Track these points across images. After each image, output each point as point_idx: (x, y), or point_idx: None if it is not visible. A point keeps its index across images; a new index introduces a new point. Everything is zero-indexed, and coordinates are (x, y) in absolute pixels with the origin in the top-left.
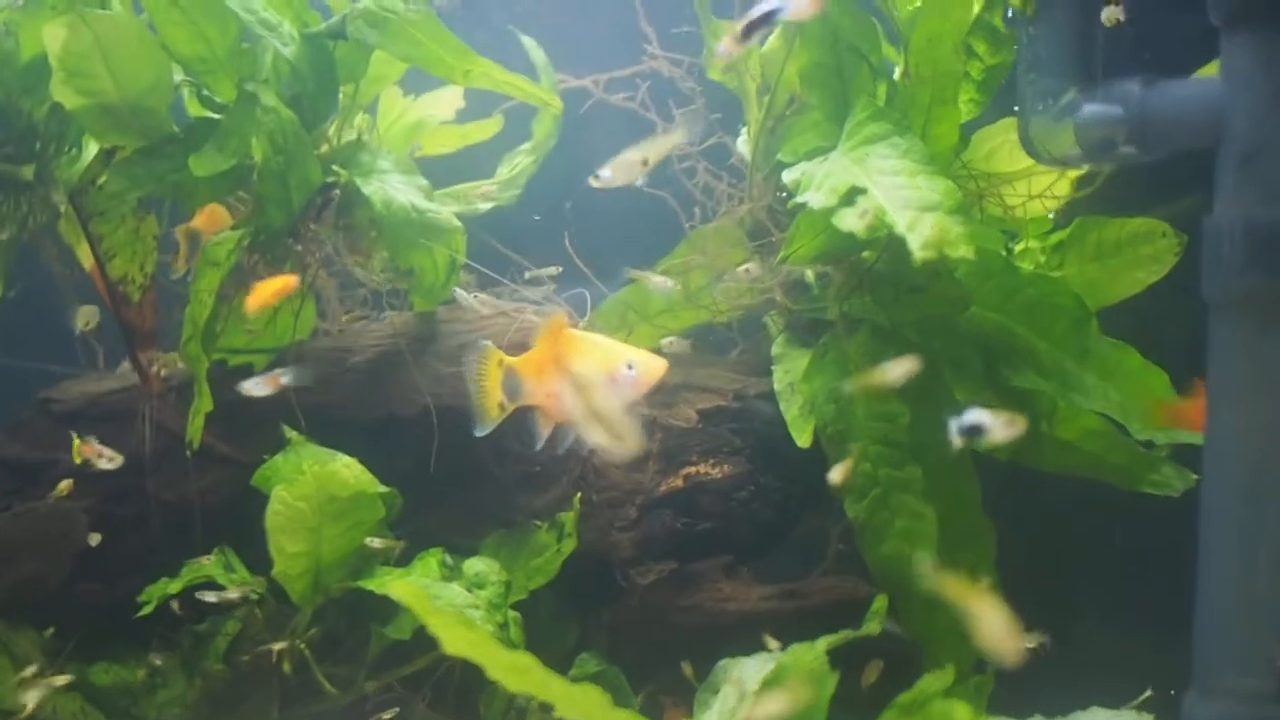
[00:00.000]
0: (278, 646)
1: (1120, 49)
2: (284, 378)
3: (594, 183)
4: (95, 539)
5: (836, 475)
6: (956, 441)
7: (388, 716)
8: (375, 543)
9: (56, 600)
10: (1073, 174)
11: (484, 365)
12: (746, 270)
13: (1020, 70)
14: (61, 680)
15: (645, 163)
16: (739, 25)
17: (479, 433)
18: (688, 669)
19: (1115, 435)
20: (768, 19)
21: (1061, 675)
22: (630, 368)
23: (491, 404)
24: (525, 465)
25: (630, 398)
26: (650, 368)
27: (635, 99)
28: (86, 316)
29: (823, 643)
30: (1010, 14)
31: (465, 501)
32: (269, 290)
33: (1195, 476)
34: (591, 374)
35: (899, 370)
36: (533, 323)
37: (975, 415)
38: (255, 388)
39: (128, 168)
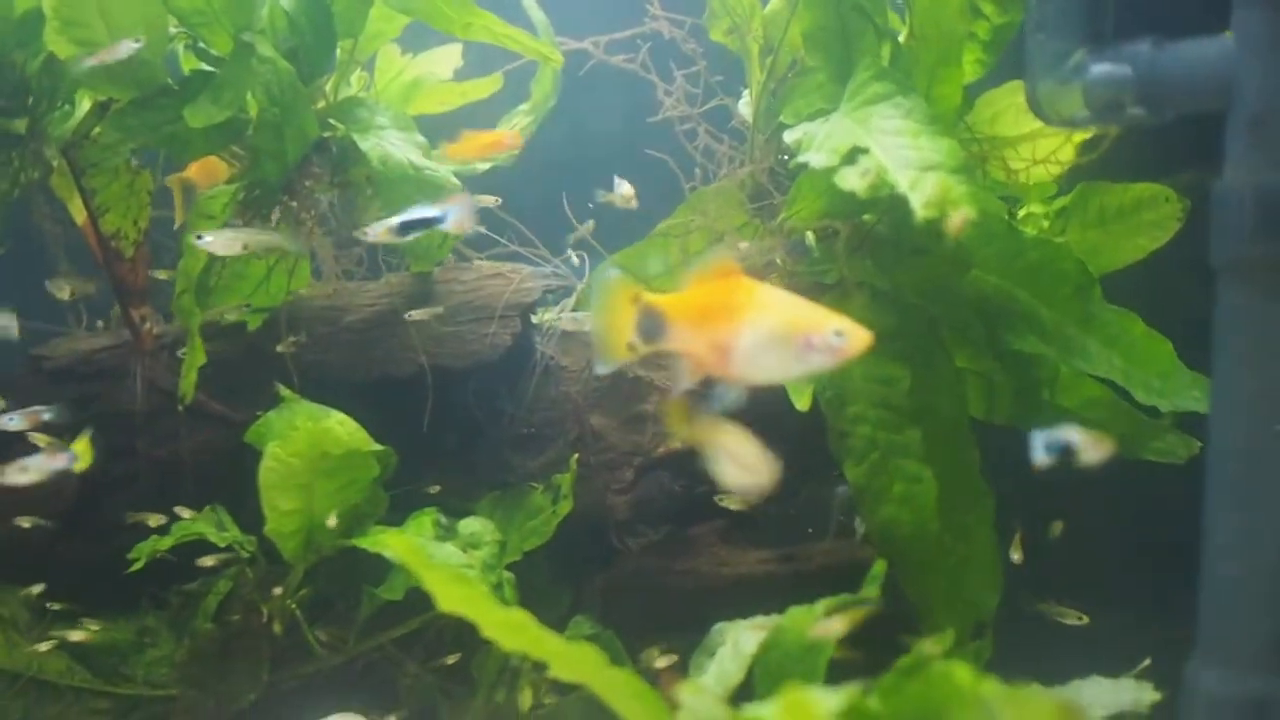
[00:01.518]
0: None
1: (1131, 8)
2: (45, 414)
3: (196, 243)
4: None
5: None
6: (1043, 460)
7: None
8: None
9: (45, 558)
10: (1077, 139)
11: (613, 298)
12: (740, 246)
13: (1028, 30)
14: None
15: (245, 246)
16: (396, 221)
17: (600, 371)
18: None
19: (1118, 402)
20: (426, 223)
21: (1061, 645)
22: (839, 335)
23: (618, 343)
24: (521, 426)
25: (822, 367)
26: (859, 338)
27: (636, 61)
28: (62, 286)
29: (820, 606)
30: None
31: (460, 462)
32: (482, 143)
33: (1199, 444)
34: (785, 333)
35: None
36: (530, 286)
37: (1063, 433)
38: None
39: (122, 119)
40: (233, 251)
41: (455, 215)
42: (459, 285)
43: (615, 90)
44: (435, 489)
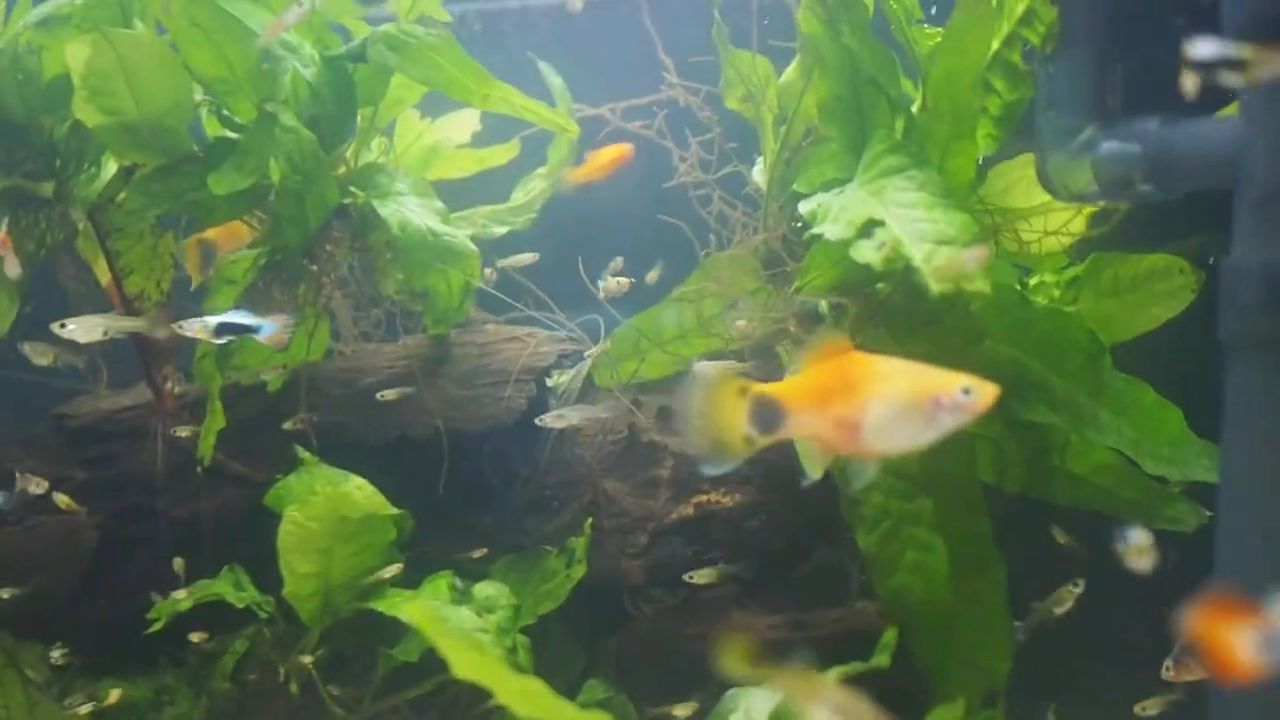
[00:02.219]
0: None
1: (1139, 87)
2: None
3: (59, 330)
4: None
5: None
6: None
7: None
8: (387, 572)
9: (66, 616)
10: (1088, 210)
11: (717, 394)
12: (739, 325)
13: (1039, 107)
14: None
15: (105, 331)
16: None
17: (714, 472)
18: None
19: (1128, 470)
20: (242, 329)
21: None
22: (967, 392)
23: (734, 439)
24: (535, 490)
25: (954, 427)
26: (987, 392)
27: (652, 127)
28: (44, 352)
29: (832, 674)
30: (1029, 51)
31: (475, 524)
32: (603, 161)
33: (1209, 513)
34: (914, 399)
35: None
36: (545, 350)
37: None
38: None
39: (147, 185)
40: (94, 337)
41: (269, 330)
42: (475, 349)
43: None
44: (479, 552)
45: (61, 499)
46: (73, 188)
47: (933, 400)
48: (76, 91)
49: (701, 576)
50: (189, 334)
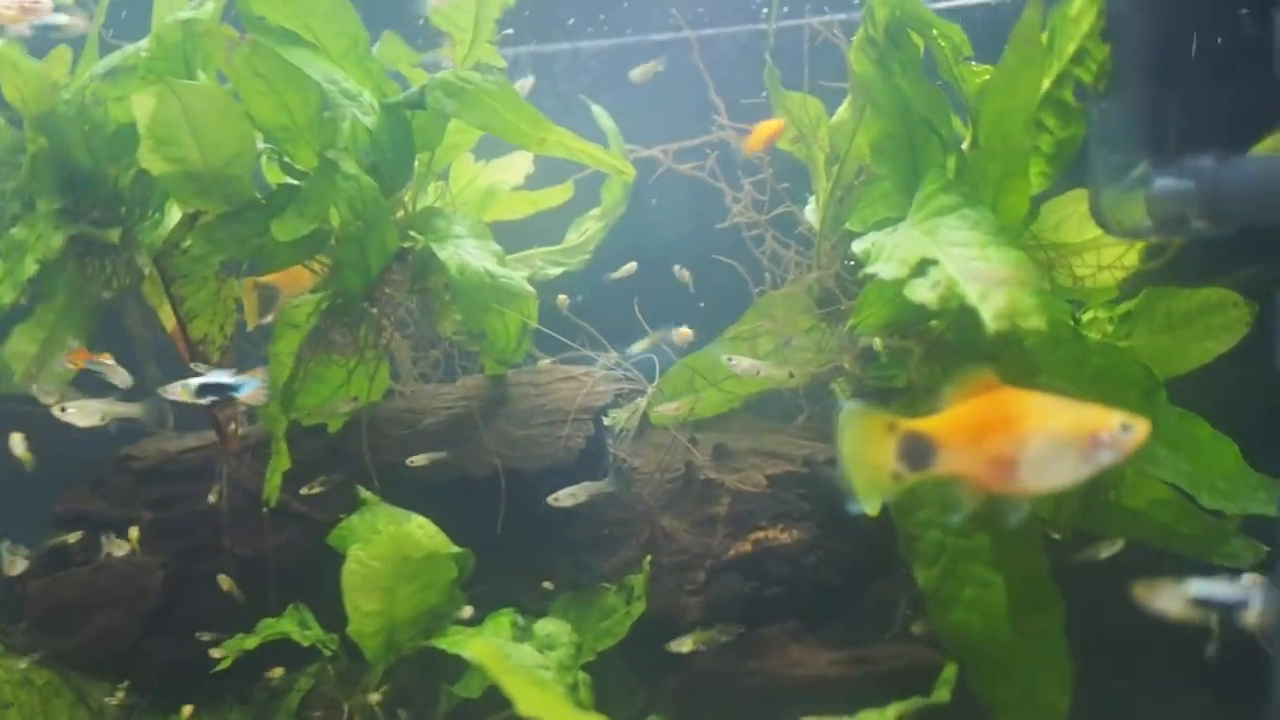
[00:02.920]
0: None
1: (1192, 123)
2: None
3: (60, 414)
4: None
5: None
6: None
7: None
8: (463, 613)
9: (132, 654)
10: (1141, 245)
11: (865, 430)
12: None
13: (1091, 144)
14: None
15: (103, 417)
16: (195, 383)
17: (863, 510)
18: None
19: (1184, 505)
20: (223, 389)
21: None
22: (1125, 428)
23: (881, 476)
24: (594, 527)
25: (1110, 463)
26: (1142, 428)
27: (704, 168)
28: (50, 392)
29: (893, 709)
30: (1082, 88)
31: (535, 562)
32: (766, 133)
33: (1266, 549)
34: (1071, 436)
35: None
36: (602, 389)
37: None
38: None
39: (211, 232)
40: (92, 422)
41: (250, 388)
42: (532, 388)
43: (683, 196)
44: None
45: (129, 539)
46: (138, 234)
47: (1091, 437)
48: (142, 141)
49: (680, 645)
50: (172, 397)
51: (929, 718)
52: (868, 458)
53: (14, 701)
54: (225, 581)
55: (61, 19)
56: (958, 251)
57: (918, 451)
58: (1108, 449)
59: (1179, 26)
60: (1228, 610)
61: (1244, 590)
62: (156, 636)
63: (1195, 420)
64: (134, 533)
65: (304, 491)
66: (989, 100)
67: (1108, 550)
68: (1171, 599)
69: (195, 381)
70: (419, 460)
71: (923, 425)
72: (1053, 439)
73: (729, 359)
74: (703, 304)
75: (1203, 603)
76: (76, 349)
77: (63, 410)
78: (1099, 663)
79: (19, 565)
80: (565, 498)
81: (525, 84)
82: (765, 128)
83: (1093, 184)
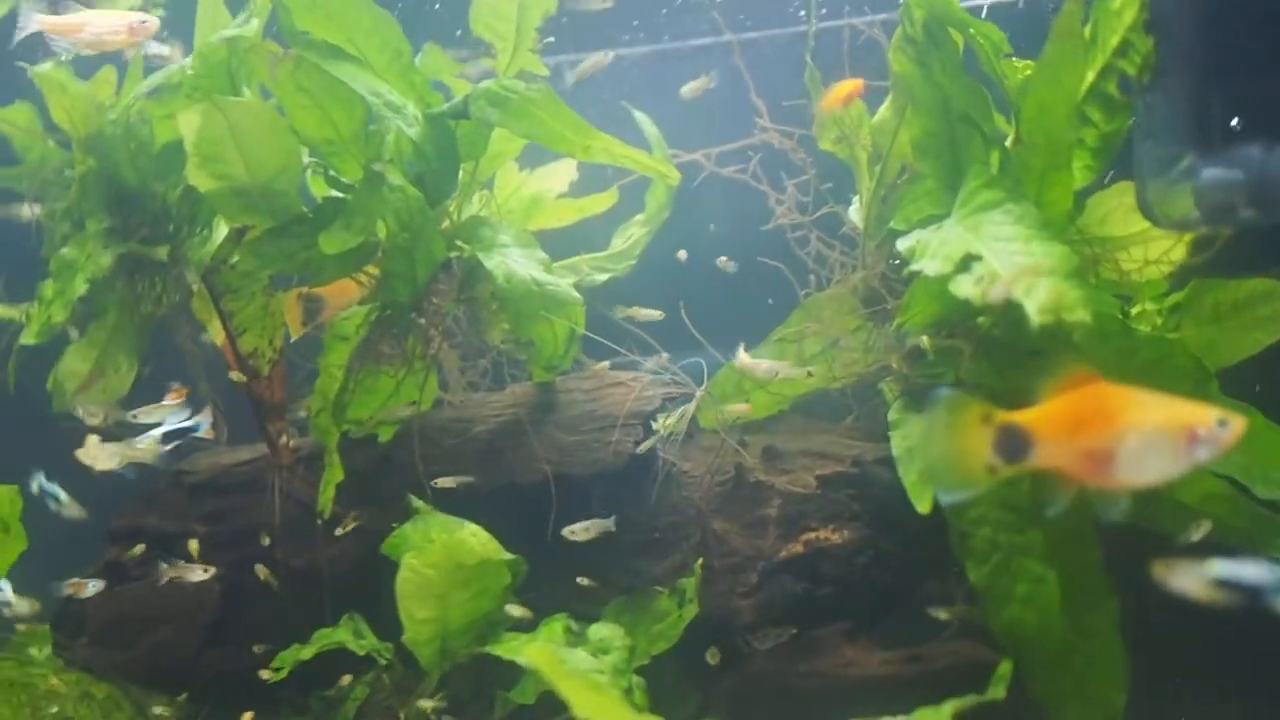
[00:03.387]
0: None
1: (1239, 114)
2: None
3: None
4: None
5: None
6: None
7: None
8: (514, 610)
9: (191, 666)
10: (1189, 237)
11: (959, 419)
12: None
13: (1137, 136)
14: None
15: (120, 461)
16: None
17: (953, 500)
18: None
19: (1237, 498)
20: (185, 431)
21: None
22: (1222, 424)
23: (974, 467)
24: (644, 532)
25: (1207, 460)
26: (1239, 424)
27: (747, 171)
28: (95, 412)
29: (948, 706)
30: (1126, 81)
31: (586, 567)
32: (844, 92)
33: None
34: (1169, 431)
35: None
36: (650, 394)
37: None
38: None
39: (258, 247)
40: (111, 465)
41: (206, 425)
42: (581, 394)
43: (726, 200)
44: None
45: (190, 551)
46: (186, 251)
47: (1189, 432)
48: (189, 158)
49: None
50: (145, 458)
51: (984, 715)
52: (961, 448)
53: (75, 715)
54: (262, 572)
55: (163, 50)
56: (1001, 246)
57: (1014, 444)
58: (1204, 445)
59: (1222, 16)
60: (1253, 594)
61: (1272, 573)
62: (214, 648)
63: (1249, 411)
64: (193, 545)
65: (339, 532)
66: (1031, 94)
67: (1199, 533)
68: (1192, 579)
69: (159, 432)
70: (446, 482)
71: (1020, 417)
72: (1149, 434)
73: (738, 360)
74: (770, 300)
75: (1225, 584)
76: (176, 388)
77: (85, 453)
78: (1154, 660)
79: (89, 588)
80: (580, 532)
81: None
82: (843, 86)
83: (1139, 177)
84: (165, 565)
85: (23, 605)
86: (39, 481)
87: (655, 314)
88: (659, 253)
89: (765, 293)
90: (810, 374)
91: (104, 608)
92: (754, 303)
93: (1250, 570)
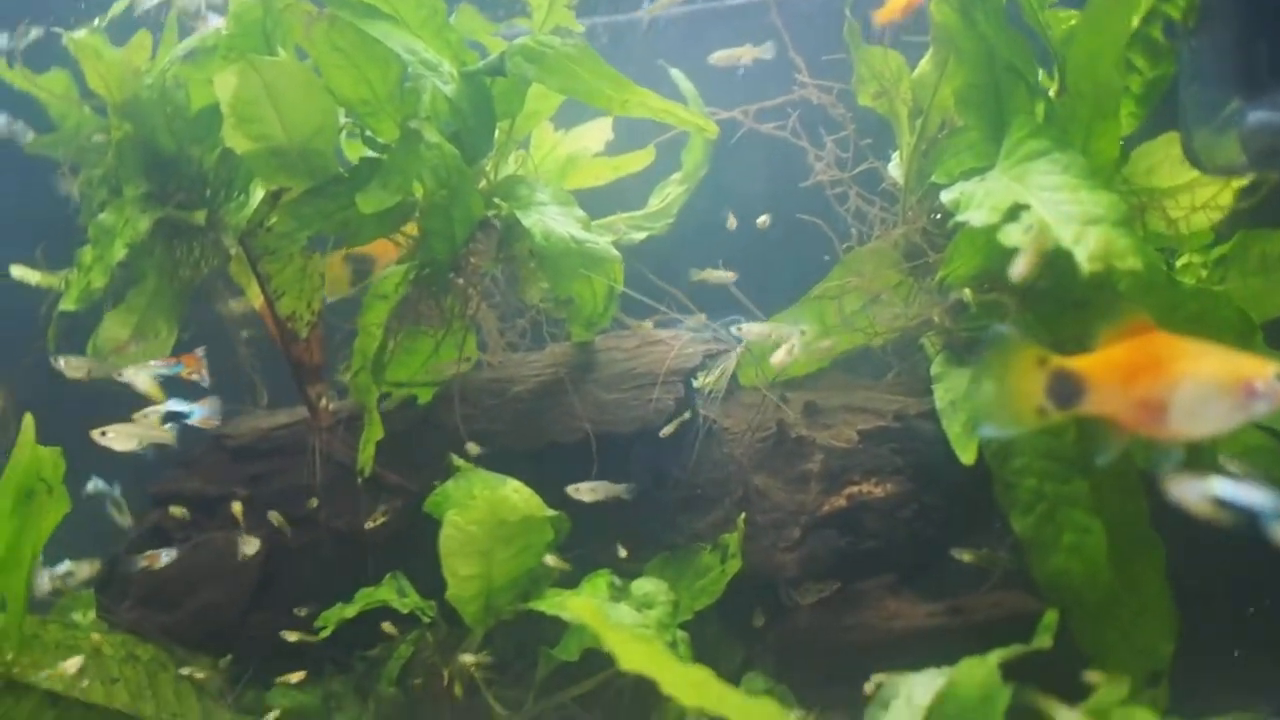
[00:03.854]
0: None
1: None
2: None
3: (99, 438)
4: None
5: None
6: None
7: None
8: (550, 560)
9: (235, 628)
10: (1235, 185)
11: (1013, 360)
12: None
13: (1182, 82)
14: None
15: (140, 442)
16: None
17: (999, 436)
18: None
19: None
20: (180, 416)
21: (1233, 689)
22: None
23: (1026, 409)
24: (686, 488)
25: (1265, 414)
26: None
27: (785, 128)
28: (78, 367)
29: (994, 656)
30: (1170, 26)
31: (627, 524)
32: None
33: None
34: (1226, 383)
35: None
36: (690, 351)
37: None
38: None
39: (296, 208)
40: (130, 446)
41: (202, 412)
42: (620, 353)
43: (765, 157)
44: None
45: (234, 513)
46: (223, 215)
47: (1246, 385)
48: (225, 119)
49: None
50: (162, 440)
51: (1030, 665)
52: (1014, 389)
53: (121, 677)
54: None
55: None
56: (1049, 195)
57: (1067, 389)
58: (1262, 398)
59: None
60: (1252, 518)
61: (1270, 500)
62: (258, 610)
63: None
64: (237, 506)
65: (368, 525)
66: (1077, 42)
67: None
68: (1193, 493)
69: (163, 410)
70: (474, 449)
71: (1076, 363)
72: (1206, 385)
73: (737, 327)
74: (827, 257)
75: (1224, 505)
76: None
77: (102, 434)
78: (1200, 610)
79: (163, 559)
80: (585, 492)
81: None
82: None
83: (1184, 123)
84: (215, 536)
85: (83, 569)
86: (94, 484)
87: (728, 275)
88: (698, 211)
89: (805, 250)
90: (793, 350)
91: (149, 571)
92: (793, 261)
93: (1249, 494)
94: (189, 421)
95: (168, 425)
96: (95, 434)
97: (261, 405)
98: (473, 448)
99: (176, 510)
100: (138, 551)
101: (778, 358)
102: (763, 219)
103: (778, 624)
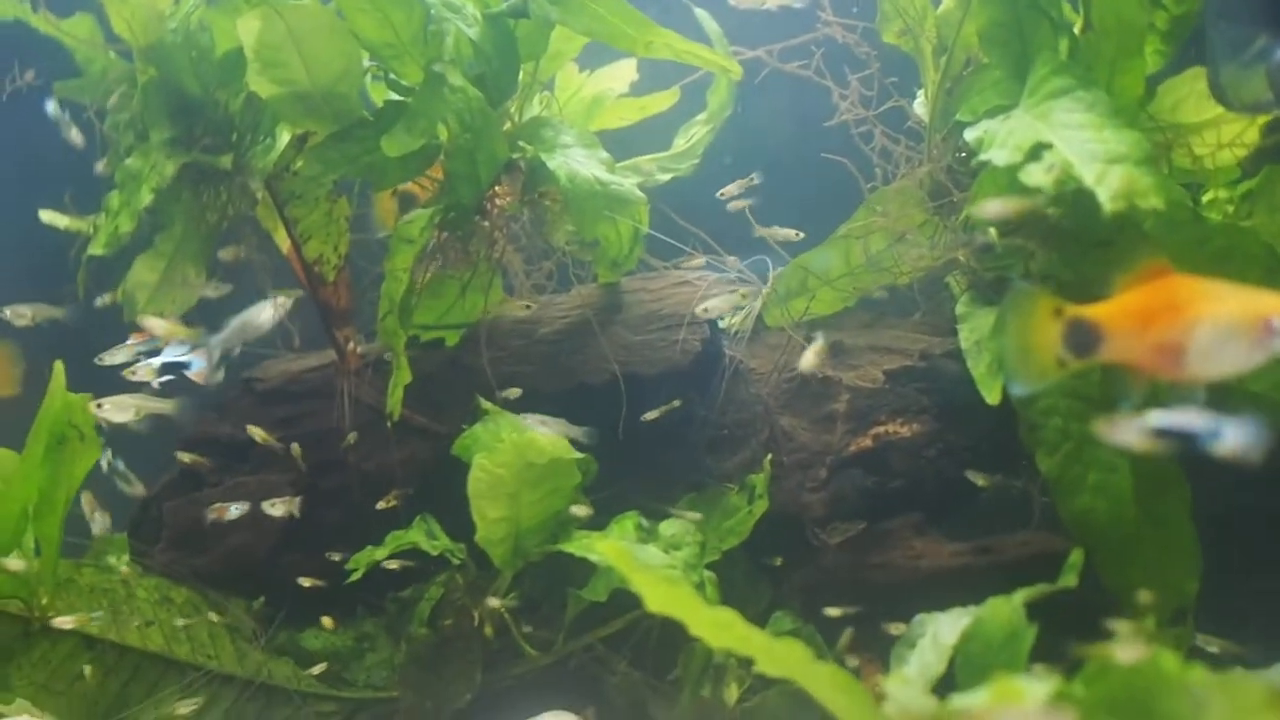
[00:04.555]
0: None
1: None
2: None
3: (95, 410)
4: None
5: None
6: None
7: None
8: (577, 510)
9: (267, 570)
10: (1261, 121)
11: (1030, 312)
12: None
13: (1208, 18)
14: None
15: (136, 411)
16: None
17: (1022, 392)
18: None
19: None
20: (179, 366)
21: (1258, 626)
22: None
23: (1044, 360)
24: (713, 429)
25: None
26: None
27: (810, 67)
28: (23, 314)
29: (1019, 595)
30: None
31: (655, 466)
32: None
33: None
34: (1243, 322)
35: None
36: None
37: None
38: None
39: (322, 152)
40: (126, 417)
41: (199, 365)
42: (646, 294)
43: (789, 96)
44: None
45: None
46: (250, 159)
47: (1264, 323)
48: (250, 64)
49: None
50: (164, 410)
51: (1056, 604)
52: (1032, 341)
53: (155, 619)
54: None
55: None
56: (1072, 134)
57: (1084, 337)
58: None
59: None
60: (1194, 442)
61: (1214, 421)
62: (289, 552)
63: None
64: (260, 435)
65: (380, 505)
66: None
67: None
68: (1133, 432)
69: (157, 363)
70: (512, 392)
71: (1090, 311)
72: (1223, 325)
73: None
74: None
75: (1165, 434)
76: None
77: (99, 406)
78: (1225, 549)
79: (232, 511)
80: (535, 423)
81: None
82: None
83: (1211, 60)
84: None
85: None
86: (107, 459)
87: (793, 234)
88: (721, 151)
89: (828, 191)
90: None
91: (181, 513)
92: (817, 200)
93: (1185, 419)
94: (189, 373)
95: (166, 376)
96: (91, 406)
97: (294, 348)
98: (513, 392)
99: (188, 456)
100: (171, 495)
101: (807, 361)
102: (795, 233)
103: (804, 564)
